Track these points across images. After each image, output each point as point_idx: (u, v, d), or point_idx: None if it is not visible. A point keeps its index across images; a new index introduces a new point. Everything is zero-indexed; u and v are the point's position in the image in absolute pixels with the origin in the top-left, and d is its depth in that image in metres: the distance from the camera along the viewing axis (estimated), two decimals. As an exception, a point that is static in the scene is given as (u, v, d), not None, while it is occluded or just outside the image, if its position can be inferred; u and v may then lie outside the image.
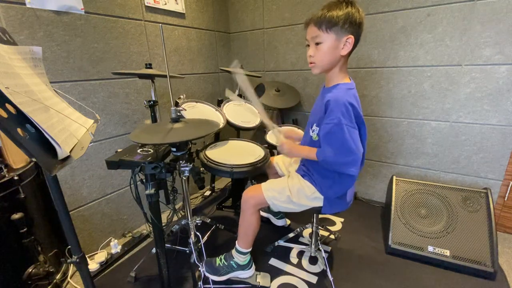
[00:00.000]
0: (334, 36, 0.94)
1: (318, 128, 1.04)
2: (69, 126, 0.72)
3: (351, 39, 0.94)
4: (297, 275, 1.37)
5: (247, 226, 1.23)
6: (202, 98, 2.15)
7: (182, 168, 1.06)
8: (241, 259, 1.28)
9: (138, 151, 1.12)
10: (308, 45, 1.02)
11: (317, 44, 0.98)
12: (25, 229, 1.08)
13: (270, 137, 1.73)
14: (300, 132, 1.33)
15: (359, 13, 0.93)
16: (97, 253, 1.51)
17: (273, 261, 1.47)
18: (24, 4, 1.17)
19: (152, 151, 1.13)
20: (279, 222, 1.75)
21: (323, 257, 1.39)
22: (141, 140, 0.93)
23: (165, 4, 1.77)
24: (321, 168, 1.09)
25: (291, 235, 1.63)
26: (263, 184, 1.22)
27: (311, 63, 1.03)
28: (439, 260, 1.37)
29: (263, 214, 1.75)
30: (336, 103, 0.93)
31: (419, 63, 1.66)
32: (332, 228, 1.74)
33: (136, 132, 1.01)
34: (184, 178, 1.09)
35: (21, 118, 0.56)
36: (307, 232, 1.70)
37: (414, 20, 1.62)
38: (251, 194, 1.22)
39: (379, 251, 1.53)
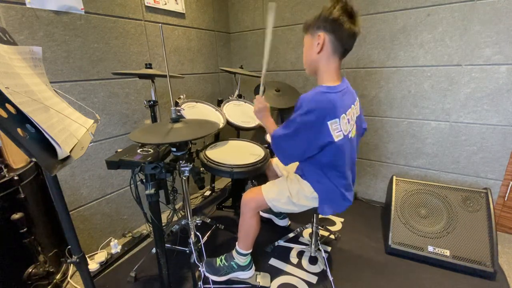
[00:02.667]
0: (310, 36, 0.98)
1: None
2: (69, 126, 0.72)
3: (320, 36, 0.93)
4: (297, 275, 1.37)
5: (247, 229, 1.23)
6: (202, 98, 2.15)
7: (182, 168, 1.06)
8: (242, 260, 1.28)
9: (138, 151, 1.12)
10: None
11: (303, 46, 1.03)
12: (25, 229, 1.08)
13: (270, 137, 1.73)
14: None
15: (333, 9, 0.89)
16: (97, 253, 1.51)
17: (273, 261, 1.47)
18: (24, 4, 1.17)
19: (152, 151, 1.13)
20: (281, 222, 1.75)
21: (323, 257, 1.39)
22: (141, 140, 0.93)
23: (165, 4, 1.77)
24: (308, 168, 1.11)
25: (291, 235, 1.63)
26: (263, 186, 1.22)
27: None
28: (439, 260, 1.37)
29: (264, 215, 1.75)
30: (300, 102, 0.95)
31: (419, 63, 1.66)
32: (332, 228, 1.74)
33: (136, 132, 1.01)
34: (184, 178, 1.09)
35: (21, 118, 0.56)
36: (307, 232, 1.70)
37: (414, 20, 1.62)
38: (251, 197, 1.21)
39: (379, 251, 1.53)
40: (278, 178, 1.37)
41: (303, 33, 1.02)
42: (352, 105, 1.03)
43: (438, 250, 1.39)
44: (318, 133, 0.93)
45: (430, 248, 1.41)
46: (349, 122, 1.00)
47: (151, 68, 1.40)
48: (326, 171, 1.06)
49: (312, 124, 0.92)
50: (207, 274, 1.30)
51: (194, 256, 1.18)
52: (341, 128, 0.95)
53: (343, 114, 0.96)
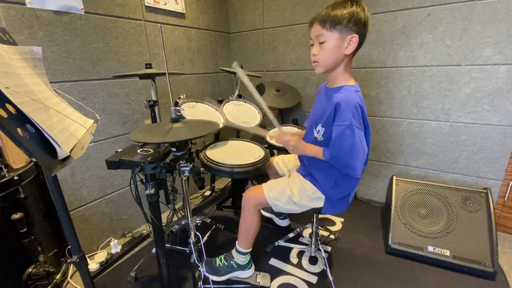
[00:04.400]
0: (338, 34, 0.94)
1: (323, 129, 1.03)
2: (69, 126, 0.72)
3: (355, 38, 0.93)
4: (297, 275, 1.37)
5: (248, 227, 1.23)
6: (202, 98, 2.15)
7: (182, 168, 1.06)
8: (241, 259, 1.28)
9: (138, 151, 1.12)
10: (312, 45, 1.02)
11: (321, 43, 0.97)
12: (25, 229, 1.08)
13: (270, 138, 1.73)
14: (300, 132, 1.33)
15: (364, 13, 0.93)
16: (97, 253, 1.51)
17: (273, 261, 1.47)
18: (24, 4, 1.17)
19: (152, 151, 1.13)
20: (282, 223, 1.74)
21: (323, 257, 1.39)
22: (142, 139, 0.93)
23: (165, 4, 1.77)
24: (323, 168, 1.08)
25: (291, 235, 1.63)
26: (264, 184, 1.22)
27: (314, 61, 1.02)
28: (439, 260, 1.37)
29: (266, 214, 1.75)
30: (347, 104, 0.93)
31: (419, 63, 1.66)
32: (332, 228, 1.74)
33: (136, 132, 1.01)
34: (184, 178, 1.09)
35: (21, 118, 0.56)
36: (307, 232, 1.70)
37: (414, 20, 1.62)
38: (252, 195, 1.21)
39: (379, 251, 1.53)
40: (279, 177, 1.38)
41: (322, 28, 0.95)
42: None
43: (438, 250, 1.39)
44: (364, 128, 0.97)
45: (430, 248, 1.41)
46: None
47: (151, 68, 1.40)
48: (341, 179, 1.06)
49: (362, 118, 0.95)
50: (207, 274, 1.30)
51: (194, 256, 1.18)
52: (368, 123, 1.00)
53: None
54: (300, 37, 2.07)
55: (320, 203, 1.13)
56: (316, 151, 1.05)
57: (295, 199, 1.13)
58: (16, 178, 1.06)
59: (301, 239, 1.66)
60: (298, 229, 1.65)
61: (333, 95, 0.99)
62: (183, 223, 1.39)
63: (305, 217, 1.78)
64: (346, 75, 1.02)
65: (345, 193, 1.11)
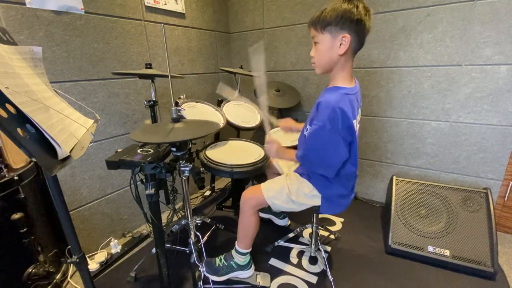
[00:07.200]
0: (329, 35, 0.93)
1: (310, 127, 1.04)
2: (69, 126, 0.72)
3: (346, 38, 0.90)
4: (297, 275, 1.37)
5: (247, 227, 1.23)
6: (202, 98, 2.15)
7: (182, 168, 1.06)
8: (241, 260, 1.28)
9: (138, 151, 1.12)
10: None
11: (315, 44, 0.98)
12: (25, 229, 1.08)
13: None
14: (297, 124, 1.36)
15: (356, 10, 0.88)
16: (97, 253, 1.51)
17: (273, 261, 1.47)
18: (24, 4, 1.17)
19: (152, 151, 1.13)
20: (281, 222, 1.75)
21: (323, 257, 1.39)
22: (143, 139, 0.93)
23: (165, 4, 1.77)
24: (319, 178, 1.10)
25: (291, 235, 1.63)
26: (262, 184, 1.22)
27: (313, 63, 1.02)
28: (439, 260, 1.37)
29: (264, 215, 1.75)
30: (326, 106, 0.92)
31: (419, 63, 1.66)
32: (332, 228, 1.74)
33: (137, 132, 1.01)
34: (184, 178, 1.09)
35: (21, 118, 0.56)
36: (307, 232, 1.70)
37: (414, 20, 1.62)
38: (251, 195, 1.21)
39: (379, 251, 1.53)
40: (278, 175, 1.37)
41: (314, 30, 0.95)
42: (360, 108, 1.06)
43: (438, 250, 1.39)
44: (348, 133, 0.95)
45: (430, 248, 1.41)
46: (358, 124, 1.02)
47: (151, 68, 1.40)
48: (334, 178, 1.06)
49: (343, 124, 0.92)
50: (206, 274, 1.30)
51: (194, 256, 1.18)
52: (355, 129, 0.98)
53: (357, 117, 0.99)
54: (300, 37, 2.07)
55: (317, 202, 1.14)
56: (292, 154, 1.09)
57: (293, 197, 1.14)
58: (16, 178, 1.06)
59: (301, 239, 1.66)
60: (298, 229, 1.65)
61: (322, 95, 1.00)
62: (183, 223, 1.39)
63: (305, 217, 1.79)
64: (343, 76, 1.00)
65: (341, 192, 1.11)
